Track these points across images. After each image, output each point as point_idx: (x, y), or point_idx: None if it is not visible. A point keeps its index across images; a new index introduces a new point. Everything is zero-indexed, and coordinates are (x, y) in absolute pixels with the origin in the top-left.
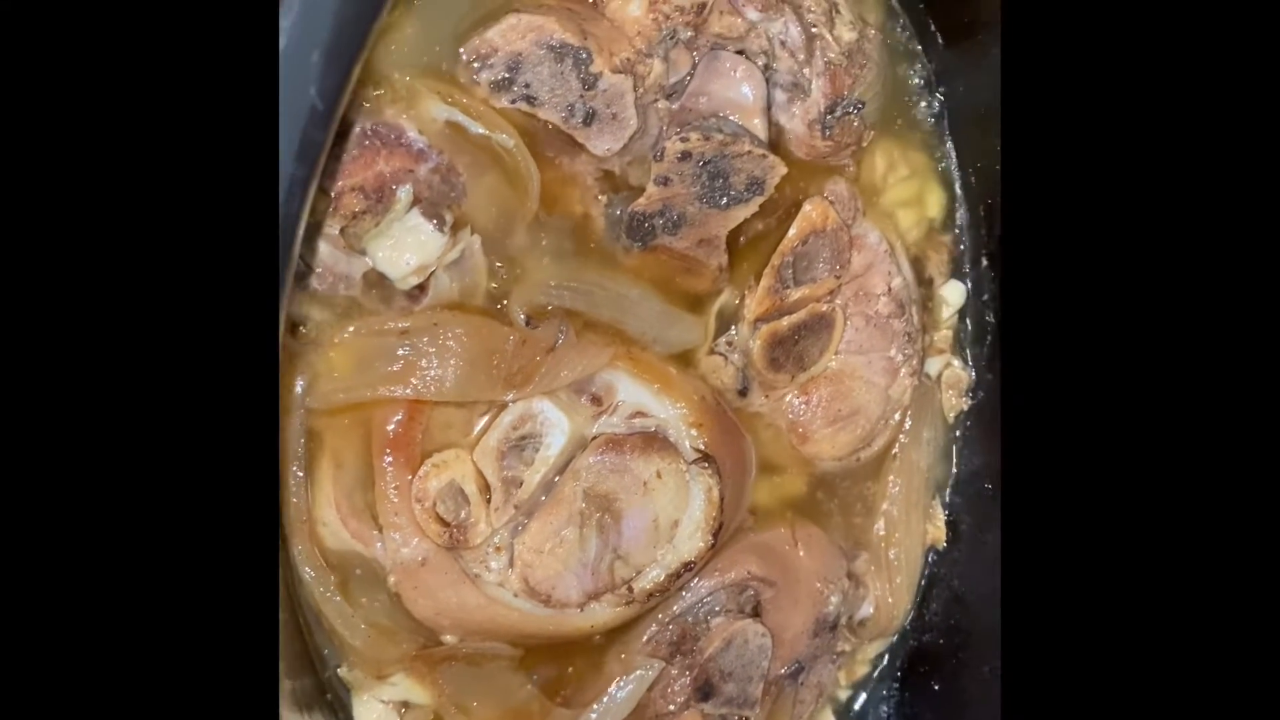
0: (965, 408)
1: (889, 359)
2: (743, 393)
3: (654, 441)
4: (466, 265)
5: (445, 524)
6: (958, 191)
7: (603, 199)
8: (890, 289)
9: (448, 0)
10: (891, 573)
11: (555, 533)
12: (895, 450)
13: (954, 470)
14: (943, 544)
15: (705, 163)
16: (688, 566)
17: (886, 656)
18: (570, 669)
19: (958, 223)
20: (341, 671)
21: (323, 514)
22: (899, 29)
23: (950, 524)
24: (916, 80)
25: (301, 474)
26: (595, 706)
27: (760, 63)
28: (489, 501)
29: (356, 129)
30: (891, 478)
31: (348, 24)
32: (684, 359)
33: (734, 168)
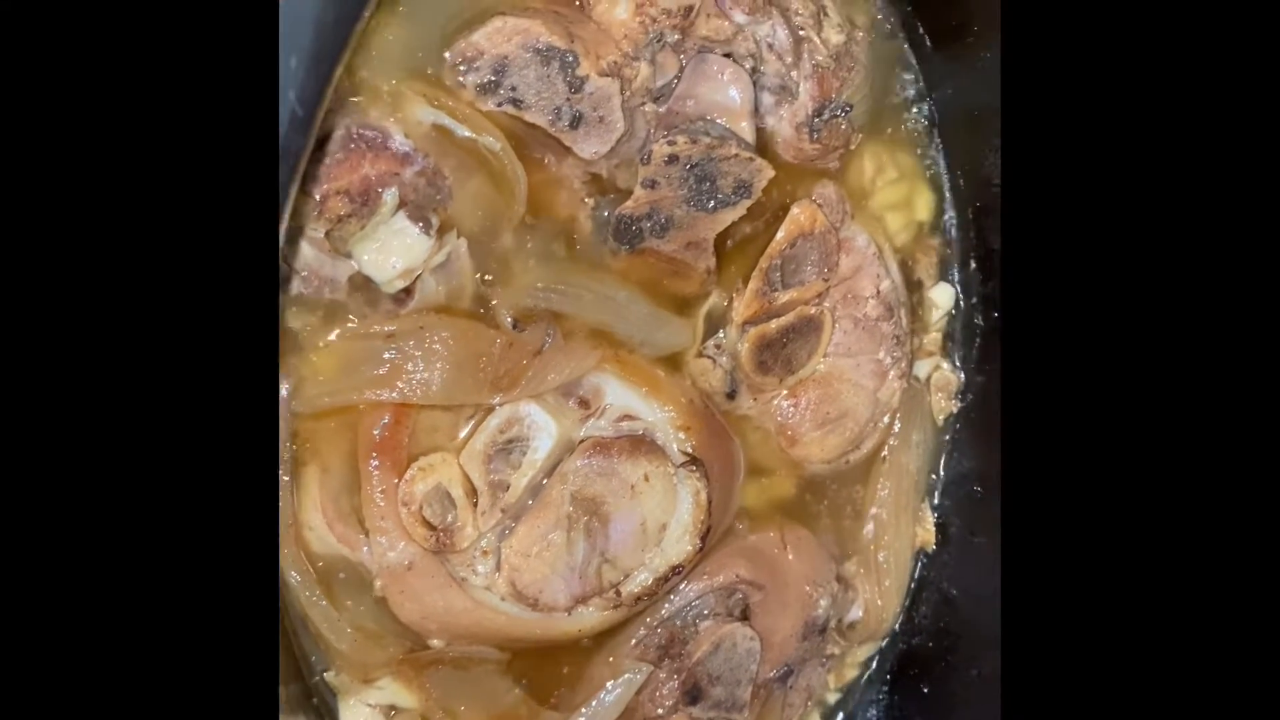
0: (954, 410)
1: (878, 361)
2: (731, 395)
3: (642, 444)
4: (453, 268)
5: (431, 528)
6: (946, 194)
7: (590, 202)
8: (879, 292)
9: (433, 3)
10: (881, 576)
11: (542, 536)
12: (884, 453)
13: (943, 473)
14: (932, 547)
15: (692, 166)
16: (676, 570)
17: (876, 659)
18: (558, 673)
19: (946, 225)
20: (328, 676)
21: (308, 518)
22: (887, 31)
23: (940, 527)
24: (905, 83)
25: (287, 478)
26: (583, 710)
27: (748, 66)
28: (475, 505)
29: (341, 132)
30: (880, 480)
31: (326, 29)
32: (672, 362)
33: (721, 171)
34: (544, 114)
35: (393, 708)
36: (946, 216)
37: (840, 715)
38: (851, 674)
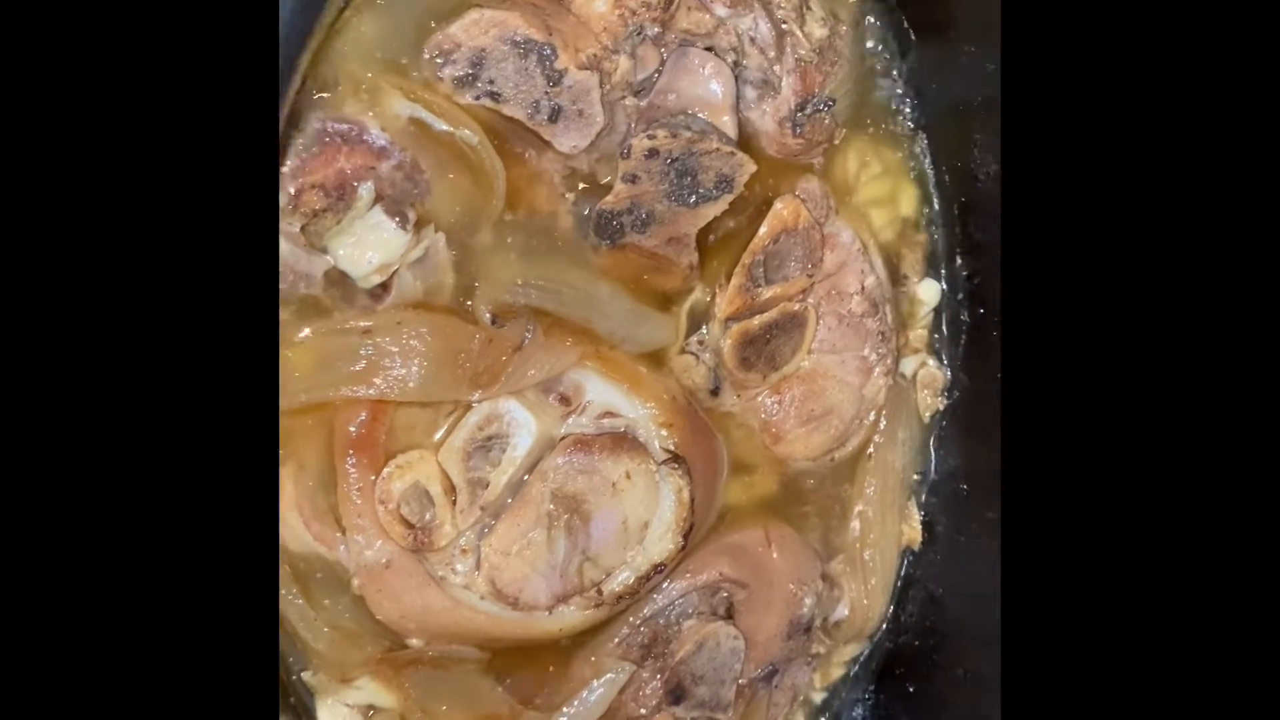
0: (941, 407)
1: (862, 358)
2: (714, 392)
3: (623, 442)
4: (430, 263)
5: (409, 526)
6: (931, 189)
7: (570, 197)
8: (863, 288)
9: None
10: (866, 574)
11: (523, 534)
12: (870, 450)
13: (930, 471)
14: (918, 545)
15: (673, 160)
16: (658, 568)
17: (862, 659)
18: (539, 673)
19: (931, 221)
20: (305, 676)
21: (285, 516)
22: (871, 25)
23: (926, 525)
24: (889, 78)
25: None
26: (566, 710)
27: (729, 59)
28: (454, 503)
29: (316, 126)
30: (866, 478)
31: (290, 21)
32: (655, 359)
33: (702, 165)
34: (522, 107)
35: (371, 708)
36: (932, 212)
37: (826, 715)
38: (837, 673)
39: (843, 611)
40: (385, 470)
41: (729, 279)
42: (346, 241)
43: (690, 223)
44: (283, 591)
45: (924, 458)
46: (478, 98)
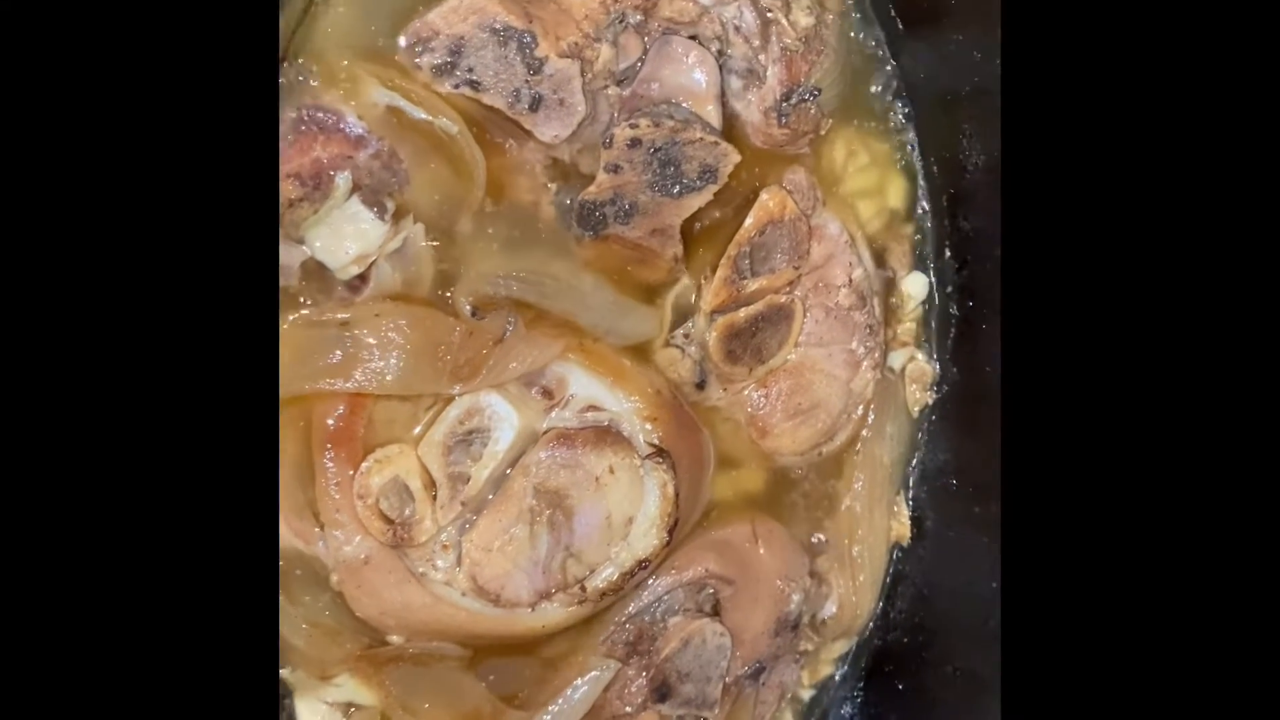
0: (929, 402)
1: (850, 351)
2: (700, 386)
3: (607, 436)
4: (409, 254)
5: (389, 521)
6: (920, 181)
7: (552, 187)
8: (851, 280)
9: None
10: (855, 570)
11: (505, 530)
12: (858, 445)
13: (918, 465)
14: (907, 540)
15: (656, 150)
16: (642, 564)
17: (850, 656)
18: (522, 670)
19: (919, 213)
20: (284, 673)
21: None
22: (857, 14)
23: (915, 520)
24: (876, 67)
25: None
26: (549, 708)
27: (714, 48)
28: (435, 498)
29: (292, 114)
30: (854, 473)
31: None
32: (639, 352)
33: (686, 155)
34: (502, 96)
35: (351, 705)
36: (920, 204)
37: (815, 713)
38: (826, 671)
39: (831, 608)
40: (364, 464)
41: (714, 271)
42: (323, 232)
43: (674, 214)
44: None
45: (912, 453)
46: (457, 86)
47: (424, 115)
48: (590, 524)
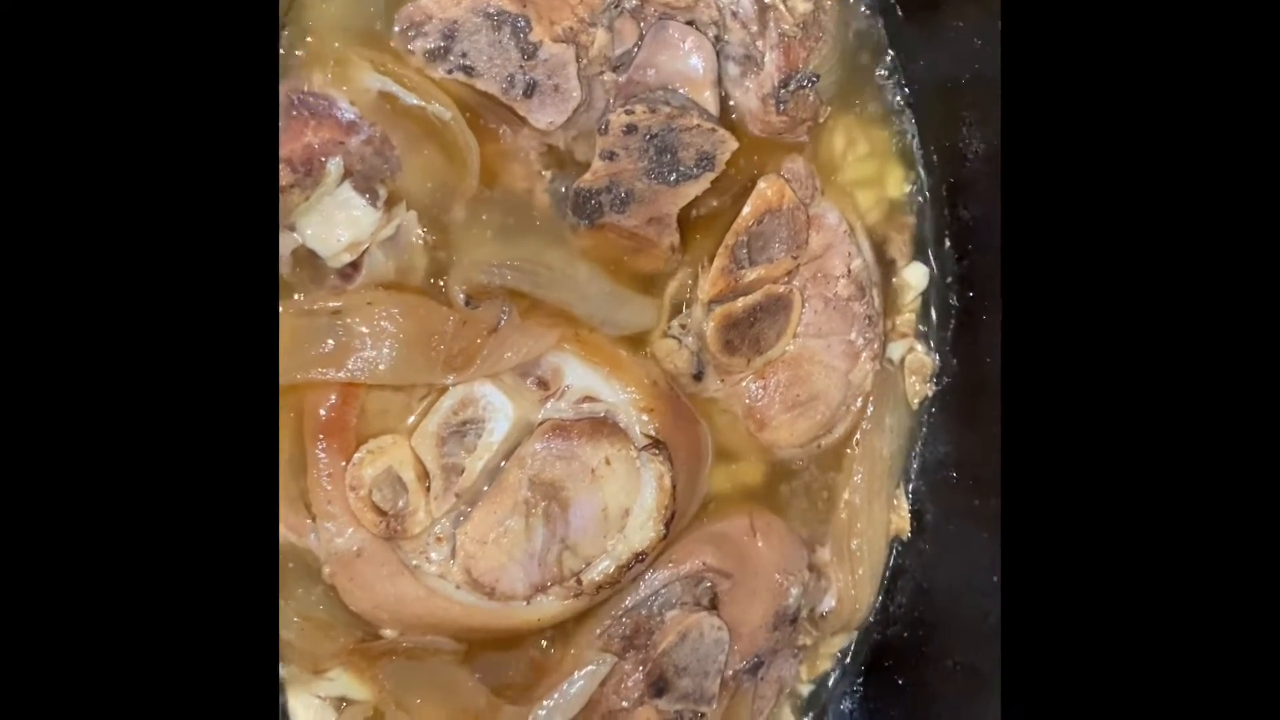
0: (929, 394)
1: (849, 342)
2: (697, 377)
3: (603, 427)
4: (402, 242)
5: (381, 513)
6: (919, 170)
7: (547, 175)
8: (850, 270)
9: None
10: (854, 564)
11: (499, 522)
12: (857, 437)
13: (918, 458)
14: (907, 534)
15: (652, 136)
16: (639, 557)
17: (850, 651)
18: (517, 664)
19: (919, 202)
20: None
21: None
22: (857, 0)
23: (915, 514)
24: (875, 55)
25: None
26: (545, 703)
27: (710, 34)
28: (428, 490)
29: (282, 99)
30: (853, 466)
31: None
32: (636, 343)
33: (682, 142)
34: (496, 82)
35: (344, 700)
36: (920, 193)
37: (813, 708)
38: (825, 665)
39: (830, 602)
40: (356, 455)
41: (712, 261)
42: (315, 219)
43: (671, 202)
44: None
45: (912, 445)
46: (450, 71)
47: (417, 101)
48: (586, 516)
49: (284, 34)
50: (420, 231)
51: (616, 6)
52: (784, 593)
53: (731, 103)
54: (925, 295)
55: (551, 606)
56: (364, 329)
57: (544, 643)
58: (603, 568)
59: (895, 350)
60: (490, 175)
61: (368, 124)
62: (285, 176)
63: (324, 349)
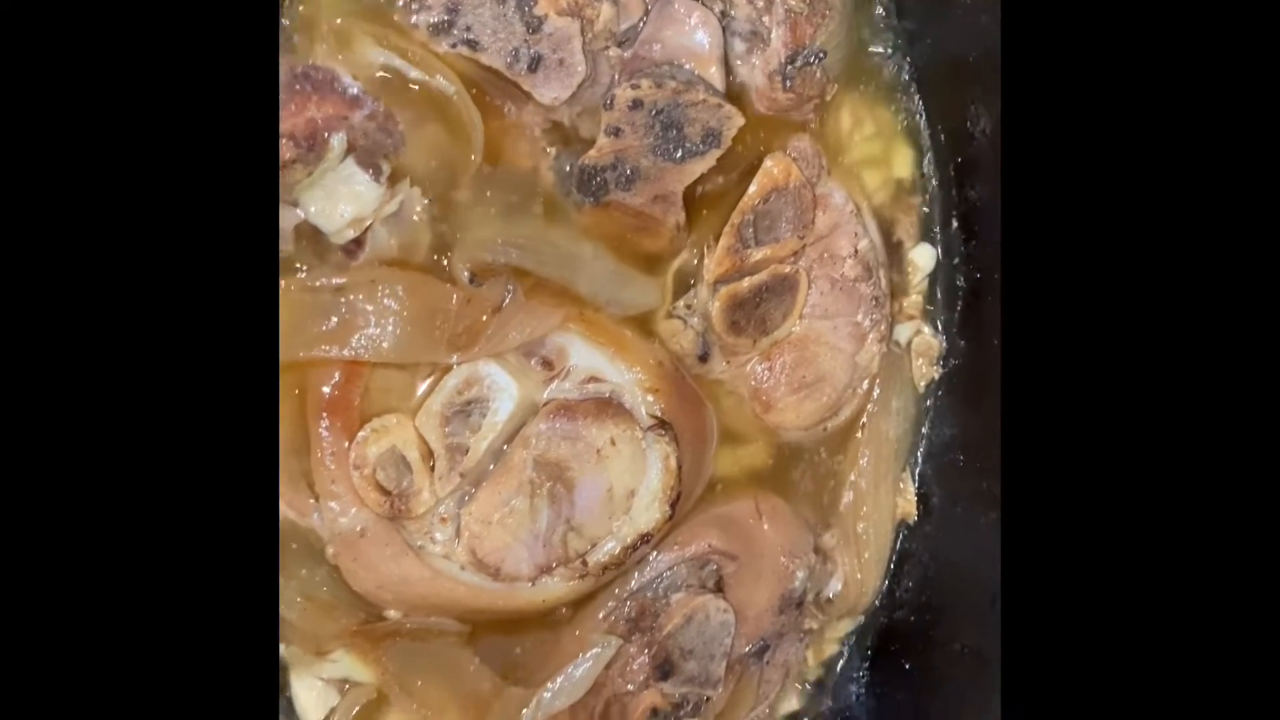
0: (936, 376)
1: (856, 324)
2: (703, 358)
3: (608, 407)
4: (406, 219)
5: (385, 493)
6: (926, 150)
7: (551, 151)
8: (857, 251)
9: None
10: (860, 548)
11: (504, 503)
12: (863, 420)
13: (925, 442)
14: (913, 518)
15: (658, 112)
16: (645, 538)
17: (856, 635)
18: (522, 646)
19: (926, 183)
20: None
21: None
22: None
23: (921, 497)
24: (882, 31)
25: None
26: (550, 686)
27: (716, 9)
28: (433, 469)
29: (285, 73)
30: (860, 449)
31: None
32: (641, 324)
33: (688, 118)
34: (501, 56)
35: (346, 681)
36: (926, 173)
37: (820, 693)
38: (831, 650)
39: (836, 585)
40: (360, 434)
41: (717, 240)
42: (318, 195)
43: (676, 179)
44: None
45: (919, 428)
46: (454, 46)
47: (421, 75)
48: (591, 497)
49: (286, 6)
50: (424, 208)
51: None
52: (790, 576)
53: (737, 80)
54: (932, 277)
55: (556, 588)
56: (368, 306)
57: (549, 625)
58: (608, 549)
59: (902, 332)
60: (494, 152)
61: (371, 99)
62: (288, 151)
63: (327, 326)
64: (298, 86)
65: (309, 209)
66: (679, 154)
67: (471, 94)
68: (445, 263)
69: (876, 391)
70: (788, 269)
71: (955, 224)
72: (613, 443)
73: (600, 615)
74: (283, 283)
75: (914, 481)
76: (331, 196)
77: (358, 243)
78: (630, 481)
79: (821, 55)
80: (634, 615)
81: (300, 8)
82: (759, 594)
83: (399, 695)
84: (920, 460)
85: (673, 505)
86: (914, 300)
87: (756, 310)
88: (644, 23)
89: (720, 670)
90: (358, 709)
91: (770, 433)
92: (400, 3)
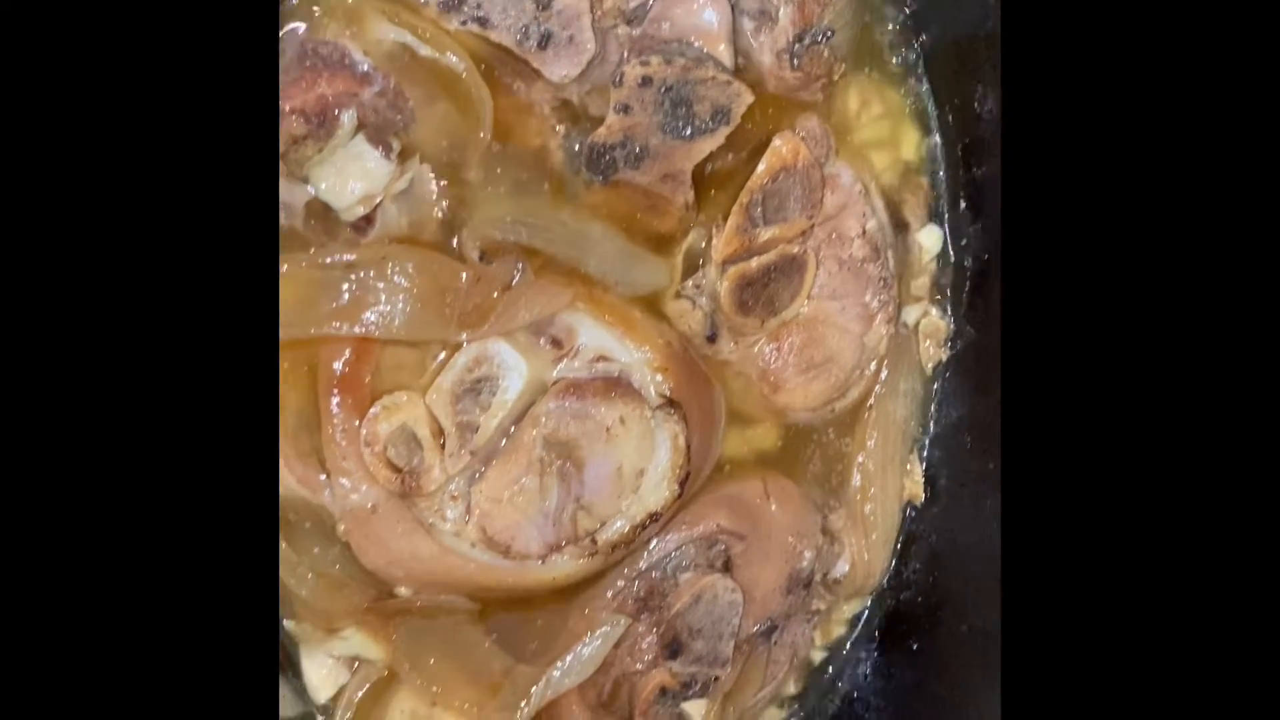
0: (944, 358)
1: (864, 305)
2: (711, 339)
3: (617, 386)
4: (415, 196)
5: (396, 470)
6: (934, 131)
7: (561, 130)
8: (865, 231)
9: None
10: (867, 529)
11: (514, 481)
12: (871, 402)
13: (932, 423)
14: (920, 500)
15: (667, 89)
16: (653, 517)
17: (864, 617)
18: (533, 625)
19: (934, 164)
20: (288, 624)
21: None
22: None
23: (929, 479)
24: (890, 13)
25: None
26: (559, 664)
27: None
28: (443, 447)
29: (295, 48)
30: (867, 431)
31: None
32: (650, 304)
33: (697, 95)
34: (511, 33)
35: (357, 659)
36: (934, 154)
37: (827, 674)
38: (839, 631)
39: (843, 567)
40: (371, 411)
41: (726, 219)
42: (328, 171)
43: (685, 158)
44: None
45: (926, 410)
46: (464, 23)
47: (431, 52)
48: (601, 476)
49: None
50: (433, 185)
51: None
52: (797, 556)
53: (746, 59)
54: (940, 259)
55: (566, 566)
56: (378, 283)
57: (558, 603)
58: (617, 528)
59: (910, 314)
60: (504, 130)
61: (381, 75)
62: (299, 127)
63: (338, 303)
64: (308, 62)
65: (319, 185)
66: (688, 131)
67: (481, 71)
68: (455, 241)
69: (884, 373)
70: (796, 249)
71: (963, 204)
72: (622, 421)
73: (609, 594)
74: (293, 259)
75: (921, 463)
76: (342, 173)
77: (368, 220)
78: (639, 460)
79: (829, 34)
80: (643, 595)
81: None
82: (767, 574)
83: (409, 673)
84: (928, 442)
85: (681, 484)
86: (921, 282)
87: (765, 290)
88: (653, 1)
89: (728, 650)
90: (368, 687)
91: (778, 414)
92: None
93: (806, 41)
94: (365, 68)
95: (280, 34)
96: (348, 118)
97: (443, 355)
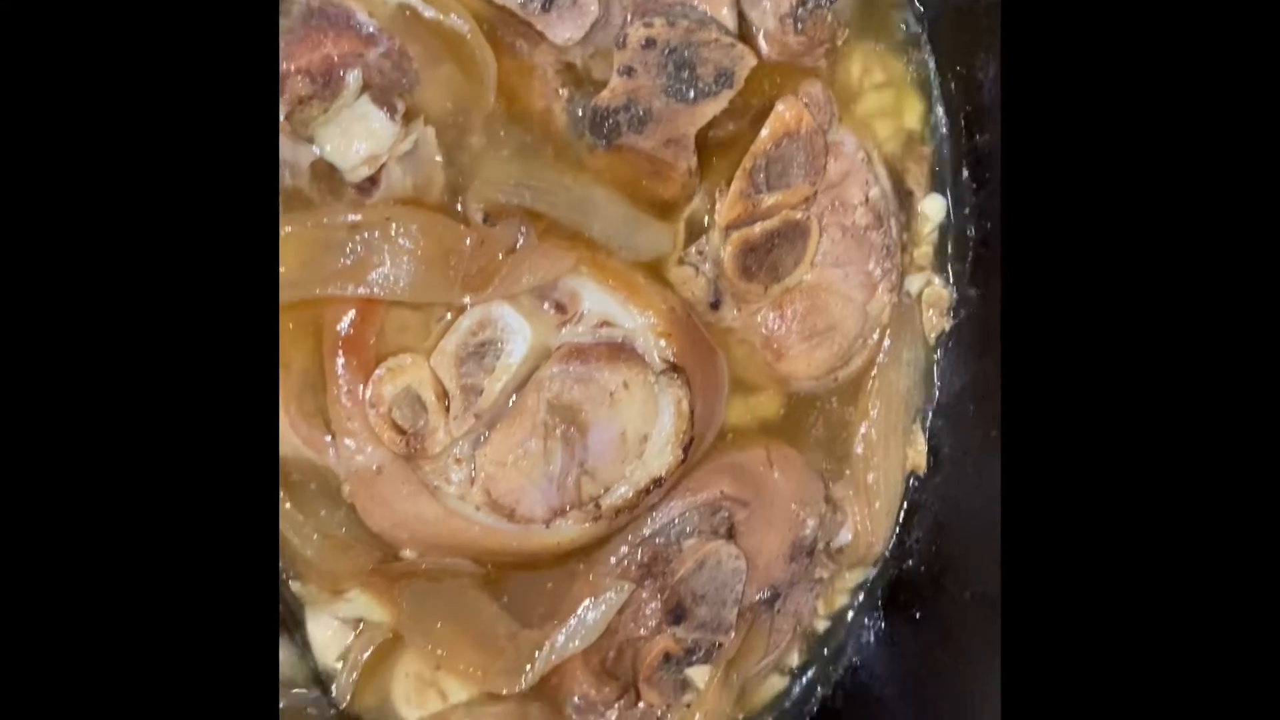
0: (946, 328)
1: (867, 273)
2: (715, 305)
3: (621, 351)
4: (420, 157)
5: (401, 431)
6: (936, 99)
7: (564, 93)
8: (868, 199)
9: None
10: (870, 498)
11: (518, 444)
12: (874, 371)
13: (935, 393)
14: (923, 469)
15: (670, 51)
16: (657, 482)
17: (867, 585)
18: (538, 589)
19: (937, 132)
20: (293, 585)
21: None
22: None
23: (932, 448)
24: None
25: None
26: (563, 629)
27: None
28: (448, 410)
29: (301, 7)
30: (870, 399)
31: None
32: (653, 270)
33: (701, 57)
34: None
35: (361, 621)
36: (937, 123)
37: (831, 643)
38: (842, 600)
39: (846, 535)
40: (376, 373)
41: (729, 185)
42: (333, 132)
43: (689, 122)
44: None
45: (929, 379)
46: None
47: (435, 14)
48: (605, 440)
49: None
50: (437, 147)
51: None
52: (800, 523)
53: (749, 24)
54: (943, 228)
55: (570, 531)
56: (382, 244)
57: (563, 568)
58: (621, 493)
59: (913, 283)
60: (508, 93)
61: (386, 36)
62: (304, 88)
63: (342, 263)
64: (314, 22)
65: (324, 146)
66: (691, 94)
67: (485, 32)
68: (459, 203)
69: (887, 342)
70: (799, 215)
71: (965, 173)
72: (625, 386)
73: (613, 560)
74: (298, 220)
75: (924, 432)
76: (347, 134)
77: (372, 181)
78: (643, 425)
79: None
80: (646, 560)
81: None
82: (770, 541)
83: (414, 635)
84: (930, 411)
85: (685, 449)
86: (924, 251)
87: (768, 256)
88: None
89: (732, 616)
90: (373, 649)
91: (781, 382)
92: None
93: (810, 5)
94: (370, 29)
95: None
96: (353, 78)
97: (447, 317)
